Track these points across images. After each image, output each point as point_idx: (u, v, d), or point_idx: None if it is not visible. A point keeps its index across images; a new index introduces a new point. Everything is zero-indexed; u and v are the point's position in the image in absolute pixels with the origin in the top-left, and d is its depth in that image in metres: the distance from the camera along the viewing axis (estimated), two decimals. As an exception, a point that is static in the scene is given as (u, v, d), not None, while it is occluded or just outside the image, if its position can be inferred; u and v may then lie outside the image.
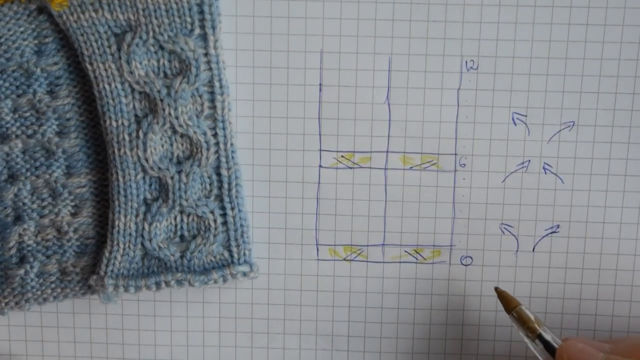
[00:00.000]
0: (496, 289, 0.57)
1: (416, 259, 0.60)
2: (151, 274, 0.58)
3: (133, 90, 0.55)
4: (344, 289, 0.61)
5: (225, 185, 0.57)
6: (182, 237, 0.58)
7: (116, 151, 0.56)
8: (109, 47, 0.54)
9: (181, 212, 0.58)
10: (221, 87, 0.56)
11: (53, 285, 0.59)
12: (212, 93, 0.56)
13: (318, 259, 0.60)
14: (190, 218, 0.58)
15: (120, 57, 0.54)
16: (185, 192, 0.57)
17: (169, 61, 0.55)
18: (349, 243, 0.60)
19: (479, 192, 0.59)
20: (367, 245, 0.60)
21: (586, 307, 0.60)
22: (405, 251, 0.60)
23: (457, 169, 0.59)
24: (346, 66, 0.58)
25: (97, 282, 0.58)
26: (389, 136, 0.59)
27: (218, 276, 0.58)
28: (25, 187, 0.57)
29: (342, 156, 0.59)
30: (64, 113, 0.57)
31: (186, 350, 0.62)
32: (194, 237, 0.58)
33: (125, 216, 0.57)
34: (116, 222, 0.57)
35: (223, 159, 0.57)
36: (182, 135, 0.56)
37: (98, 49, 0.55)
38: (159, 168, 0.56)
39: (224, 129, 0.56)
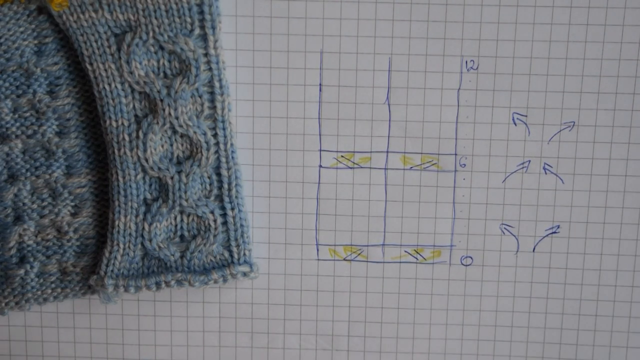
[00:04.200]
0: None
1: (416, 259, 0.60)
2: (151, 274, 0.58)
3: (133, 90, 0.55)
4: (344, 289, 0.61)
5: (225, 186, 0.57)
6: (182, 237, 0.58)
7: (116, 151, 0.56)
8: (109, 47, 0.54)
9: (181, 212, 0.58)
10: (221, 87, 0.56)
11: (53, 285, 0.59)
12: (212, 93, 0.56)
13: (318, 259, 0.60)
14: (190, 218, 0.58)
15: (120, 57, 0.54)
16: (185, 192, 0.57)
17: (169, 61, 0.55)
18: (349, 243, 0.60)
19: (479, 192, 0.59)
20: (367, 245, 0.60)
21: (586, 308, 0.60)
22: (405, 251, 0.60)
23: (457, 169, 0.59)
24: (346, 66, 0.57)
25: (97, 282, 0.58)
26: (389, 136, 0.59)
27: (218, 276, 0.58)
28: (25, 187, 0.57)
29: (342, 156, 0.59)
30: (64, 113, 0.57)
31: (186, 350, 0.62)
32: (194, 237, 0.58)
33: (125, 216, 0.57)
34: (116, 222, 0.57)
35: (223, 159, 0.57)
36: (182, 136, 0.56)
37: (98, 49, 0.55)
38: (159, 168, 0.56)
39: (224, 129, 0.56)
